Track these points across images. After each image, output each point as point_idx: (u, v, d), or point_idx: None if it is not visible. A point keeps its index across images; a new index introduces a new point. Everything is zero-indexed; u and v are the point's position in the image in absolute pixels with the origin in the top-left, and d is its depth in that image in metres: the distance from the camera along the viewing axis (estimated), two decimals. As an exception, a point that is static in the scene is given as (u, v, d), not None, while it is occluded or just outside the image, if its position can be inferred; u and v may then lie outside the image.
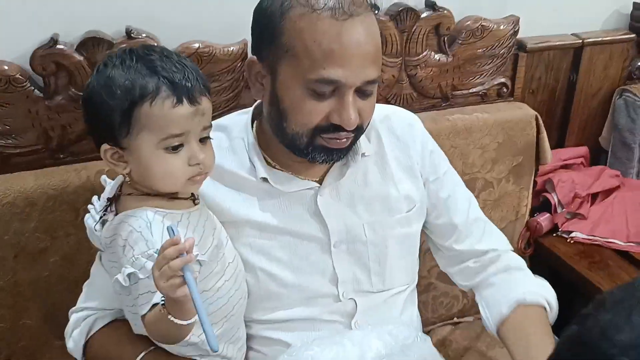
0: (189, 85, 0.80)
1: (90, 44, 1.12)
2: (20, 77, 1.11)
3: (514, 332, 1.01)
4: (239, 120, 1.01)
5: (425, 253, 1.27)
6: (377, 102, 1.31)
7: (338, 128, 0.88)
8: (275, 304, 1.00)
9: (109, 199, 0.87)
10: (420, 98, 1.39)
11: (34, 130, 1.16)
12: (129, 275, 0.78)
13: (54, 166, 1.18)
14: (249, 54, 0.97)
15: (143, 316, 0.80)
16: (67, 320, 1.03)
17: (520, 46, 1.42)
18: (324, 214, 0.98)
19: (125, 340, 0.93)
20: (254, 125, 1.00)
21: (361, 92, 0.88)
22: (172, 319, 0.76)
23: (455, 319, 1.51)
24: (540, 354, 0.92)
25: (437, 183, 1.08)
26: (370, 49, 0.86)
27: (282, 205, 0.98)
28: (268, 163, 0.98)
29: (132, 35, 1.14)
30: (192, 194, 0.90)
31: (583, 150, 1.57)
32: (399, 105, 1.35)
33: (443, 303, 1.48)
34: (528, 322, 1.01)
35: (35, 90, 1.13)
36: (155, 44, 1.15)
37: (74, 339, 0.96)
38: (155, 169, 0.82)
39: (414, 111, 1.36)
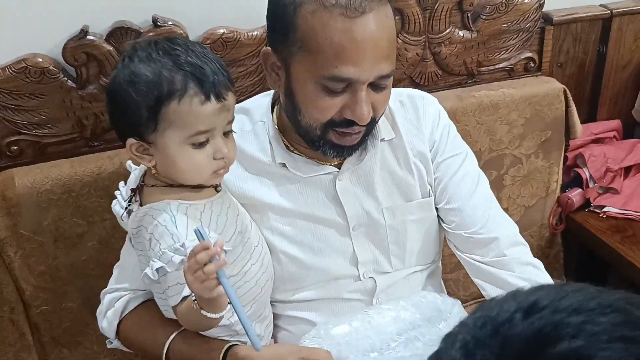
0: (216, 80, 0.81)
1: (119, 33, 1.16)
2: (53, 68, 1.15)
3: None
4: (262, 103, 1.03)
5: None
6: (402, 82, 1.35)
7: (351, 122, 0.89)
8: (298, 285, 1.01)
9: (132, 190, 0.89)
10: (446, 75, 1.38)
11: (69, 120, 1.20)
12: (157, 269, 0.81)
13: (88, 154, 1.23)
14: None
15: (174, 307, 0.83)
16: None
17: (546, 19, 1.39)
18: (342, 199, 0.99)
19: (157, 322, 0.96)
20: (275, 109, 1.01)
21: (375, 86, 0.88)
22: (204, 313, 0.78)
23: (485, 298, 1.51)
24: None
25: (440, 164, 1.04)
26: (383, 44, 0.85)
27: (302, 190, 0.99)
28: (287, 147, 0.99)
29: (158, 23, 1.17)
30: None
31: (615, 123, 1.54)
32: (424, 84, 1.37)
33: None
34: None
35: (68, 80, 1.17)
36: (182, 32, 1.18)
37: (108, 319, 1.00)
38: (181, 164, 0.83)
39: (440, 88, 1.38)
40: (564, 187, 1.48)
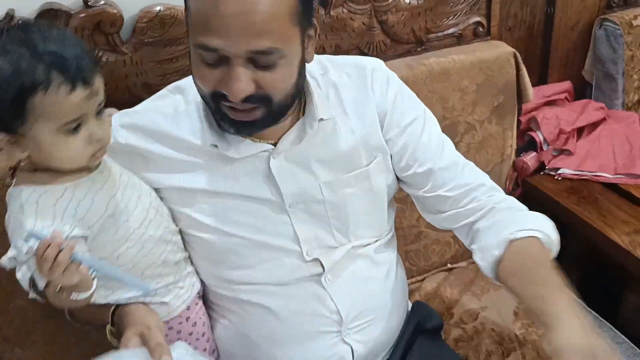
0: (81, 66, 0.77)
1: (48, 17, 1.10)
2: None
3: (513, 272, 0.95)
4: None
5: (411, 203, 1.26)
6: (350, 52, 1.32)
7: (224, 96, 0.86)
8: (240, 262, 0.99)
9: (11, 168, 0.88)
10: (394, 44, 1.36)
11: None
12: (8, 259, 0.81)
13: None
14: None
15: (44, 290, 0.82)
16: None
17: (493, -18, 1.39)
18: (277, 177, 0.96)
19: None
20: None
21: (255, 63, 0.83)
22: (74, 297, 0.79)
23: (449, 265, 1.51)
24: (548, 286, 0.89)
25: (404, 131, 1.02)
26: (254, 18, 0.80)
27: (235, 170, 0.96)
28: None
29: (89, 4, 1.11)
30: None
31: (566, 85, 1.55)
32: (372, 54, 1.34)
33: (435, 250, 1.48)
34: (523, 258, 0.95)
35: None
36: (115, 12, 1.12)
37: (22, 272, 0.90)
38: (57, 153, 0.81)
39: (389, 58, 1.35)
40: (519, 152, 1.48)
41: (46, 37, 0.77)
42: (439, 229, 1.38)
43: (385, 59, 1.32)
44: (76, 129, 0.80)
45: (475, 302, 1.39)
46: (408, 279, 1.46)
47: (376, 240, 1.07)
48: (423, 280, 1.48)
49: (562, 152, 1.46)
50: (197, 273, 1.03)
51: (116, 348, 0.93)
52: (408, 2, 1.31)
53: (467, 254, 1.50)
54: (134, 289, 0.88)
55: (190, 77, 1.00)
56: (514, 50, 1.36)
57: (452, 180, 1.02)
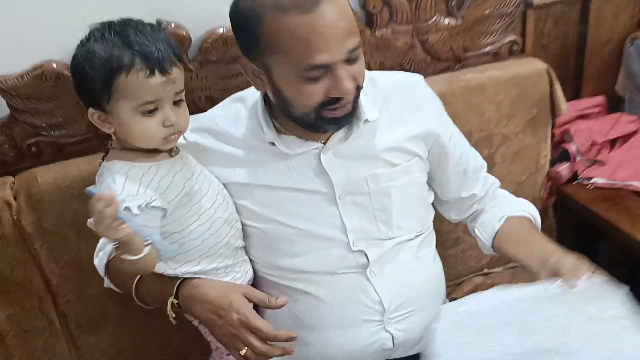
0: (160, 56, 0.91)
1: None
2: (67, 73, 1.23)
3: (510, 237, 1.16)
4: (254, 92, 1.12)
5: None
6: (393, 69, 1.43)
7: (338, 99, 0.98)
8: (292, 250, 1.10)
9: (103, 150, 1.02)
10: (434, 62, 1.46)
11: (83, 121, 1.28)
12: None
13: (101, 152, 1.32)
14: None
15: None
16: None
17: (527, 3, 1.47)
18: (328, 170, 1.08)
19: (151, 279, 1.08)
20: (266, 97, 1.10)
21: (348, 61, 0.96)
22: (125, 257, 0.90)
23: (486, 270, 1.59)
24: (542, 246, 1.10)
25: (444, 140, 1.17)
26: (344, 24, 0.93)
27: (290, 166, 1.08)
28: (278, 130, 1.08)
29: (162, 25, 1.25)
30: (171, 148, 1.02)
31: (600, 99, 1.62)
32: (413, 70, 1.45)
33: (472, 255, 1.56)
34: (520, 228, 1.18)
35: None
36: (184, 34, 1.26)
37: (99, 258, 1.12)
38: (134, 131, 0.94)
39: (429, 74, 1.45)
40: (553, 162, 1.55)
41: (139, 31, 0.93)
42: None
43: (425, 76, 1.44)
44: (152, 112, 0.94)
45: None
46: (446, 281, 1.56)
47: (417, 236, 1.17)
48: (460, 283, 1.56)
49: (594, 162, 1.52)
50: (251, 262, 1.15)
51: (175, 319, 1.05)
52: (447, 22, 1.42)
53: (502, 260, 1.59)
54: (161, 250, 0.95)
55: (250, 89, 1.13)
56: (547, 66, 1.44)
57: (473, 187, 1.22)
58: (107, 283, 1.17)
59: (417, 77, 1.19)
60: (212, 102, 1.31)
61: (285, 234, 1.10)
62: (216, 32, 1.29)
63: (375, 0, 1.34)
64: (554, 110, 1.48)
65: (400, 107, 1.13)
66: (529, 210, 1.21)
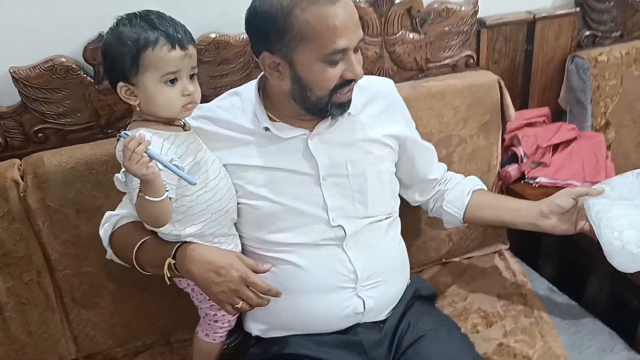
0: (179, 36, 1.09)
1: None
2: (75, 67, 1.37)
3: (486, 202, 1.44)
4: (249, 87, 1.29)
5: (413, 207, 1.54)
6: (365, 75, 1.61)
7: (349, 81, 1.16)
8: (280, 225, 1.25)
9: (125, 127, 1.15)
10: (400, 71, 1.65)
11: (87, 110, 1.42)
12: (123, 172, 1.07)
13: (103, 139, 1.45)
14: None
15: (135, 204, 1.07)
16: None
17: (481, 23, 1.68)
18: (314, 153, 1.24)
19: (136, 232, 1.23)
20: (260, 91, 1.27)
21: (355, 50, 1.15)
22: (147, 197, 1.04)
23: (444, 260, 1.75)
24: (520, 203, 1.42)
25: (413, 134, 1.37)
26: (356, 16, 1.14)
27: (281, 148, 1.24)
28: (270, 118, 1.24)
29: (162, 29, 1.41)
30: (184, 124, 1.18)
31: (545, 110, 1.82)
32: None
33: (432, 246, 1.71)
34: (490, 194, 1.48)
35: (87, 77, 1.39)
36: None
37: (104, 229, 1.27)
38: (158, 99, 1.10)
39: (395, 81, 1.62)
40: (503, 164, 1.74)
41: (160, 17, 1.10)
42: (436, 227, 1.67)
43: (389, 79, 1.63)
44: (173, 83, 1.09)
45: (465, 287, 1.63)
46: (410, 268, 1.72)
47: (386, 218, 1.34)
48: (421, 271, 1.72)
49: (539, 164, 1.71)
50: (240, 238, 1.29)
51: (169, 279, 1.18)
52: (412, 37, 1.61)
53: (459, 251, 1.75)
54: (182, 179, 1.08)
55: (243, 85, 1.30)
56: (498, 77, 1.64)
57: (434, 170, 1.47)
58: (109, 254, 1.30)
59: (391, 82, 1.39)
60: (204, 99, 1.42)
61: (274, 210, 1.24)
62: (209, 37, 1.45)
63: (349, 14, 1.53)
64: (504, 117, 1.68)
65: (379, 108, 1.32)
66: (481, 184, 1.50)
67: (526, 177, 1.71)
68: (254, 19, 1.16)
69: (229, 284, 1.12)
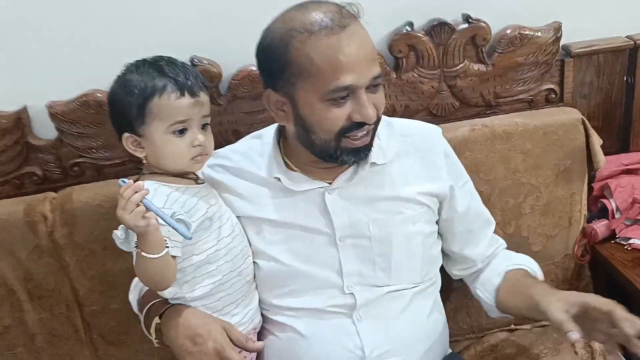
0: (189, 82, 1.01)
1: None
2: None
3: (510, 290, 1.16)
4: (271, 130, 1.17)
5: None
6: (419, 113, 1.43)
7: (360, 124, 1.00)
8: (287, 289, 1.11)
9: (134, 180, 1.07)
10: (464, 107, 1.44)
11: (120, 146, 1.34)
12: (123, 228, 0.98)
13: (137, 174, 1.42)
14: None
15: (134, 263, 0.98)
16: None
17: (566, 52, 1.43)
18: (331, 210, 1.09)
19: (153, 297, 1.13)
20: (281, 135, 1.15)
21: (371, 88, 1.00)
22: (144, 254, 0.94)
23: (512, 326, 1.51)
24: (538, 286, 1.10)
25: (454, 197, 1.17)
26: (368, 50, 0.98)
27: (294, 202, 1.11)
28: (289, 167, 1.11)
29: (194, 62, 1.34)
30: (197, 177, 1.08)
31: (648, 154, 1.51)
32: (441, 115, 1.45)
33: (498, 309, 1.49)
34: (521, 277, 1.16)
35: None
36: (215, 70, 1.34)
37: (133, 296, 1.20)
38: (165, 150, 1.02)
39: (458, 118, 1.45)
40: (591, 218, 1.47)
41: (170, 63, 1.04)
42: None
43: (454, 120, 1.44)
44: (182, 133, 1.02)
45: (528, 365, 1.38)
46: (467, 334, 1.50)
47: (413, 287, 1.15)
48: (482, 337, 1.50)
49: (635, 222, 1.42)
50: None
51: (158, 342, 1.09)
52: (477, 68, 1.40)
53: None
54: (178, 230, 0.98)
55: (269, 127, 1.19)
56: (582, 116, 1.38)
57: (477, 245, 1.23)
58: (141, 318, 1.21)
59: (438, 130, 1.20)
60: (238, 135, 1.37)
61: (281, 273, 1.12)
62: (246, 69, 1.36)
63: (400, 44, 1.36)
64: (591, 163, 1.41)
65: (419, 160, 1.14)
66: (528, 263, 1.18)
67: (617, 236, 1.43)
68: (259, 54, 1.06)
69: (202, 356, 1.01)
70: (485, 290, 1.19)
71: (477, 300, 1.48)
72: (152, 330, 1.08)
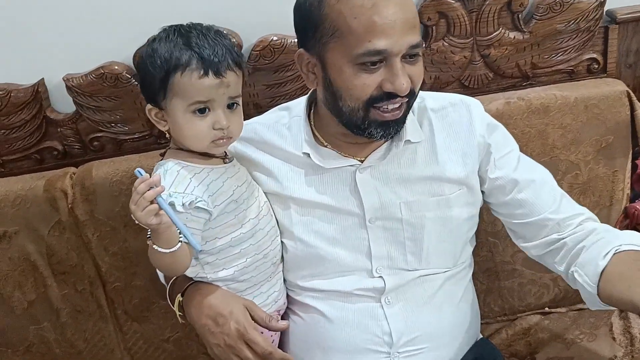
0: (216, 60, 0.93)
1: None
2: (126, 74, 1.31)
3: (618, 277, 0.92)
4: (300, 102, 1.11)
5: (507, 238, 1.24)
6: (450, 85, 1.35)
7: (391, 95, 0.93)
8: (313, 271, 1.07)
9: (161, 154, 1.03)
10: (498, 78, 1.36)
11: (139, 119, 1.36)
12: None
13: (157, 149, 1.38)
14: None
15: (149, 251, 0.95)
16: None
17: (611, 18, 1.32)
18: (361, 190, 1.03)
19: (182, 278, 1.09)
20: (312, 107, 1.09)
21: (408, 57, 0.93)
22: (155, 247, 0.90)
23: (547, 309, 1.44)
24: None
25: (500, 162, 1.07)
26: (408, 14, 0.91)
27: (323, 180, 1.05)
28: (319, 141, 1.05)
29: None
30: (225, 154, 1.03)
31: (700, 130, 1.40)
32: (473, 87, 1.37)
33: (531, 291, 1.42)
34: (630, 264, 0.92)
35: (138, 85, 1.32)
36: (235, 40, 1.29)
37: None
38: (185, 129, 0.96)
39: (492, 91, 1.36)
40: (634, 198, 1.38)
41: (202, 35, 0.96)
42: (536, 269, 1.37)
43: (488, 92, 1.35)
44: (203, 113, 0.95)
45: (563, 351, 1.31)
46: (498, 316, 1.44)
47: (445, 271, 1.09)
48: (515, 319, 1.43)
49: (683, 202, 1.32)
50: None
51: (182, 316, 1.06)
52: (512, 37, 1.31)
53: (567, 300, 1.43)
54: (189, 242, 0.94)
55: (297, 100, 1.13)
56: (626, 88, 1.28)
57: (551, 206, 1.05)
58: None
59: (478, 103, 1.10)
60: (259, 109, 1.33)
61: (307, 255, 1.07)
62: (266, 40, 1.30)
63: (430, 11, 1.28)
64: (635, 139, 1.31)
65: (457, 136, 1.06)
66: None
67: (663, 217, 1.33)
68: (295, 11, 1.00)
69: (224, 337, 0.98)
70: (585, 273, 0.97)
71: (510, 281, 1.43)
72: (176, 307, 1.06)
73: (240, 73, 0.97)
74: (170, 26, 0.98)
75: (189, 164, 0.98)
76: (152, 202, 0.86)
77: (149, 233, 0.93)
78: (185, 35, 0.95)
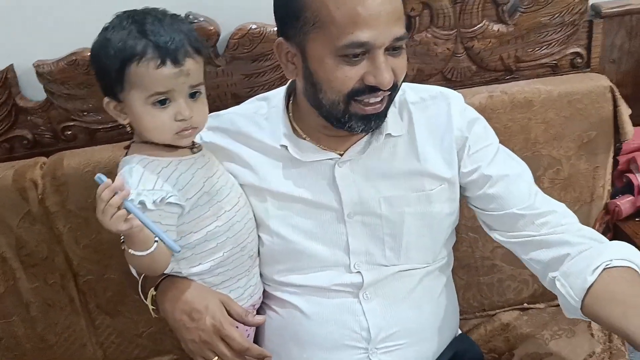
0: (173, 47, 0.88)
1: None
2: (99, 61, 1.27)
3: (609, 299, 0.89)
4: (279, 92, 1.08)
5: (486, 234, 1.22)
6: (433, 77, 1.33)
7: (373, 89, 0.91)
8: (290, 266, 1.05)
9: (125, 147, 0.99)
10: (481, 71, 1.34)
11: (112, 109, 1.32)
12: None
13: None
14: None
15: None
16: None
17: (595, 12, 1.30)
18: (340, 185, 1.01)
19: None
20: (291, 98, 1.06)
21: (391, 50, 0.90)
22: (131, 251, 0.87)
23: (526, 305, 1.43)
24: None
25: (477, 156, 1.03)
26: (393, 5, 0.88)
27: (302, 174, 1.02)
28: (297, 134, 1.02)
29: (189, 19, 1.25)
30: (193, 144, 0.99)
31: (682, 126, 1.40)
32: (456, 80, 1.34)
33: (510, 287, 1.42)
34: (621, 286, 0.90)
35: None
36: (212, 28, 1.25)
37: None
38: (145, 122, 0.91)
39: (475, 84, 1.34)
40: (615, 194, 1.38)
41: (157, 21, 0.91)
42: (515, 265, 1.36)
43: (471, 85, 1.33)
44: (164, 104, 0.90)
45: (542, 347, 1.31)
46: (477, 311, 1.43)
47: (425, 267, 1.07)
48: (494, 315, 1.43)
49: (663, 199, 1.32)
50: None
51: (155, 311, 1.03)
52: (496, 29, 1.29)
53: (546, 296, 1.43)
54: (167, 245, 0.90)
55: (276, 90, 1.09)
56: (610, 84, 1.27)
57: (524, 202, 1.01)
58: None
59: (459, 95, 1.07)
60: (237, 99, 1.29)
61: (284, 249, 1.04)
62: (245, 28, 1.26)
63: (414, 2, 1.25)
64: (617, 135, 1.30)
65: (437, 129, 1.03)
66: (634, 258, 0.93)
67: (642, 214, 1.33)
68: (276, 0, 0.96)
69: (200, 333, 0.96)
70: (571, 285, 0.93)
71: (489, 276, 1.42)
72: (149, 301, 1.03)
73: (201, 60, 0.93)
74: (124, 12, 0.93)
75: (155, 158, 0.93)
76: (119, 208, 0.82)
77: (122, 238, 0.89)
78: (139, 22, 0.90)
